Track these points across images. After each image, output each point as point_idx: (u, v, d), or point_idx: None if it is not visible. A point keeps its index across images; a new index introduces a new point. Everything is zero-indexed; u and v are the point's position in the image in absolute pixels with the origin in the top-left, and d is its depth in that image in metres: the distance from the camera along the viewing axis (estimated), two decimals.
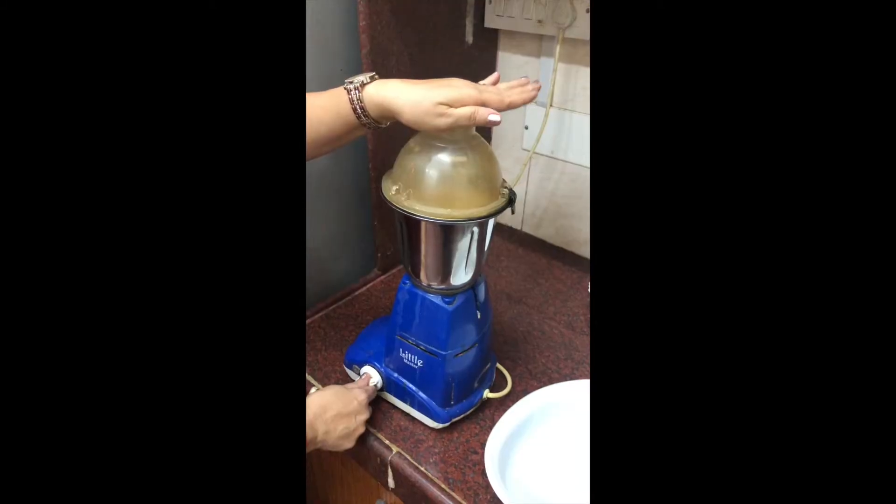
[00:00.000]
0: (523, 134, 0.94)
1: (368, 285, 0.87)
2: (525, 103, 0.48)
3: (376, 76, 0.47)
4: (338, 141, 0.49)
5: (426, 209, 0.49)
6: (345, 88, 0.47)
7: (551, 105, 0.84)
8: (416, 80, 0.47)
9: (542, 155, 0.92)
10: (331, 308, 0.81)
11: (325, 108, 0.47)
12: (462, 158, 0.49)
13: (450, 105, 0.44)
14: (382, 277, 0.89)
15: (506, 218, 1.04)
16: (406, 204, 0.50)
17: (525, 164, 0.92)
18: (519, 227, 1.03)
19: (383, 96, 0.45)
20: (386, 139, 0.75)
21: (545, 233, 1.00)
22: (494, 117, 0.45)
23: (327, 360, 0.71)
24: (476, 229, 0.52)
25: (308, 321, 0.79)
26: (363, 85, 0.46)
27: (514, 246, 0.98)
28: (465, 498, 0.55)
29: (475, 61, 0.87)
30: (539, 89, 0.49)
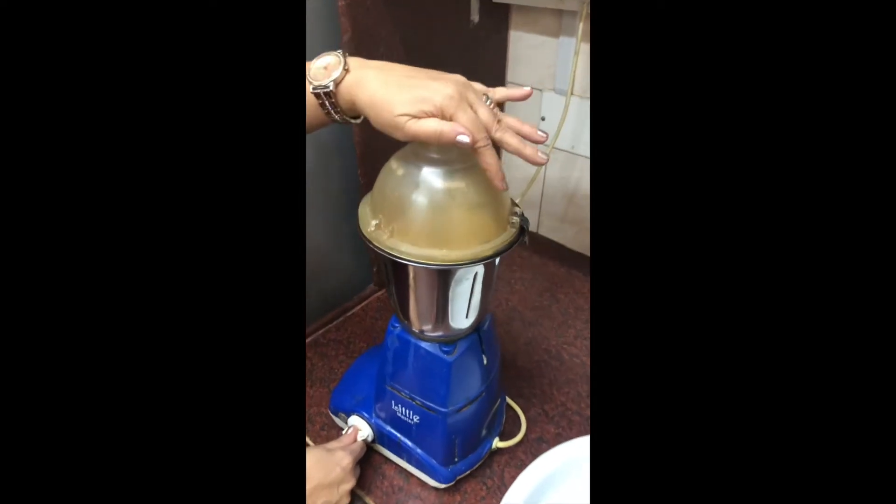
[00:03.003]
0: (539, 126, 0.82)
1: (363, 303, 0.77)
2: (517, 151, 0.37)
3: (346, 64, 0.37)
4: (312, 129, 0.42)
5: (415, 251, 0.39)
6: (313, 94, 0.37)
7: (572, 93, 0.72)
8: (400, 68, 0.38)
9: (561, 150, 0.81)
10: (320, 332, 0.72)
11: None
12: (459, 184, 0.38)
13: (413, 116, 0.35)
14: (379, 294, 0.79)
15: None
16: (389, 244, 0.39)
17: None
18: (535, 230, 0.92)
19: (355, 96, 0.37)
20: (374, 146, 0.64)
21: (564, 237, 0.88)
22: (464, 138, 0.35)
23: (312, 400, 0.62)
24: (480, 269, 0.42)
25: None
26: (336, 84, 0.37)
27: (529, 253, 0.87)
28: None
29: (482, 44, 0.75)
30: (545, 139, 0.39)
